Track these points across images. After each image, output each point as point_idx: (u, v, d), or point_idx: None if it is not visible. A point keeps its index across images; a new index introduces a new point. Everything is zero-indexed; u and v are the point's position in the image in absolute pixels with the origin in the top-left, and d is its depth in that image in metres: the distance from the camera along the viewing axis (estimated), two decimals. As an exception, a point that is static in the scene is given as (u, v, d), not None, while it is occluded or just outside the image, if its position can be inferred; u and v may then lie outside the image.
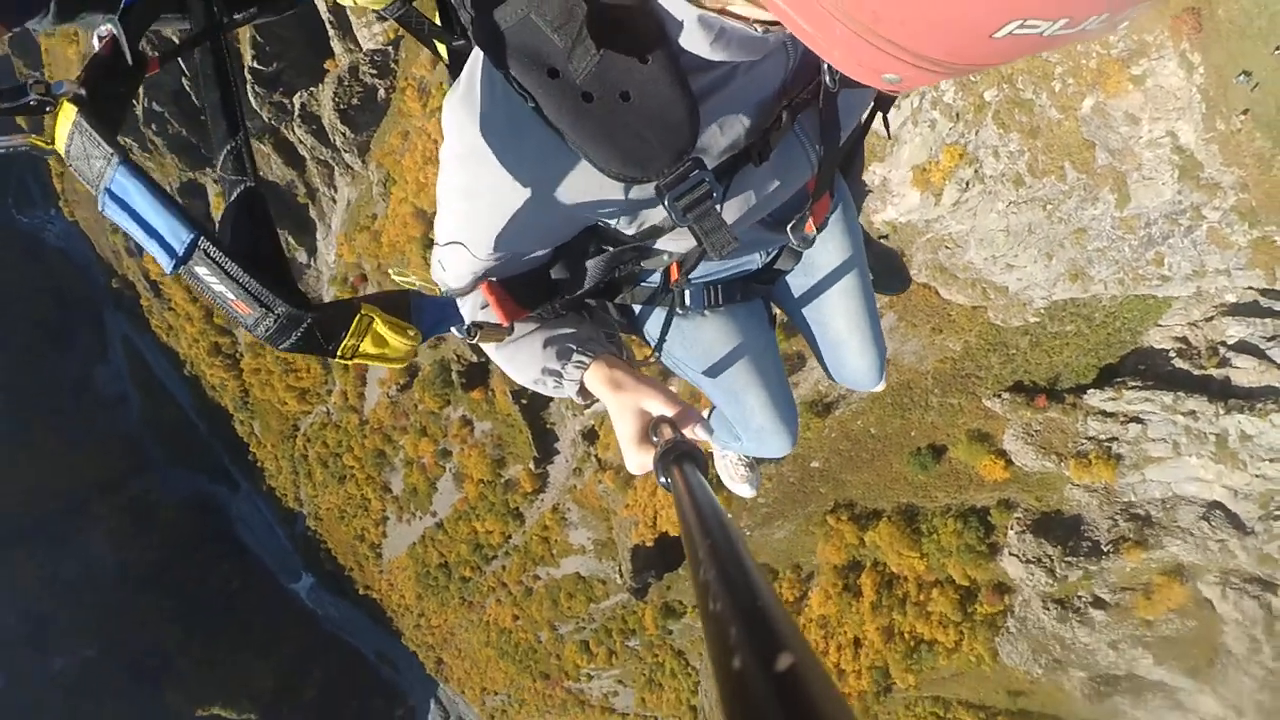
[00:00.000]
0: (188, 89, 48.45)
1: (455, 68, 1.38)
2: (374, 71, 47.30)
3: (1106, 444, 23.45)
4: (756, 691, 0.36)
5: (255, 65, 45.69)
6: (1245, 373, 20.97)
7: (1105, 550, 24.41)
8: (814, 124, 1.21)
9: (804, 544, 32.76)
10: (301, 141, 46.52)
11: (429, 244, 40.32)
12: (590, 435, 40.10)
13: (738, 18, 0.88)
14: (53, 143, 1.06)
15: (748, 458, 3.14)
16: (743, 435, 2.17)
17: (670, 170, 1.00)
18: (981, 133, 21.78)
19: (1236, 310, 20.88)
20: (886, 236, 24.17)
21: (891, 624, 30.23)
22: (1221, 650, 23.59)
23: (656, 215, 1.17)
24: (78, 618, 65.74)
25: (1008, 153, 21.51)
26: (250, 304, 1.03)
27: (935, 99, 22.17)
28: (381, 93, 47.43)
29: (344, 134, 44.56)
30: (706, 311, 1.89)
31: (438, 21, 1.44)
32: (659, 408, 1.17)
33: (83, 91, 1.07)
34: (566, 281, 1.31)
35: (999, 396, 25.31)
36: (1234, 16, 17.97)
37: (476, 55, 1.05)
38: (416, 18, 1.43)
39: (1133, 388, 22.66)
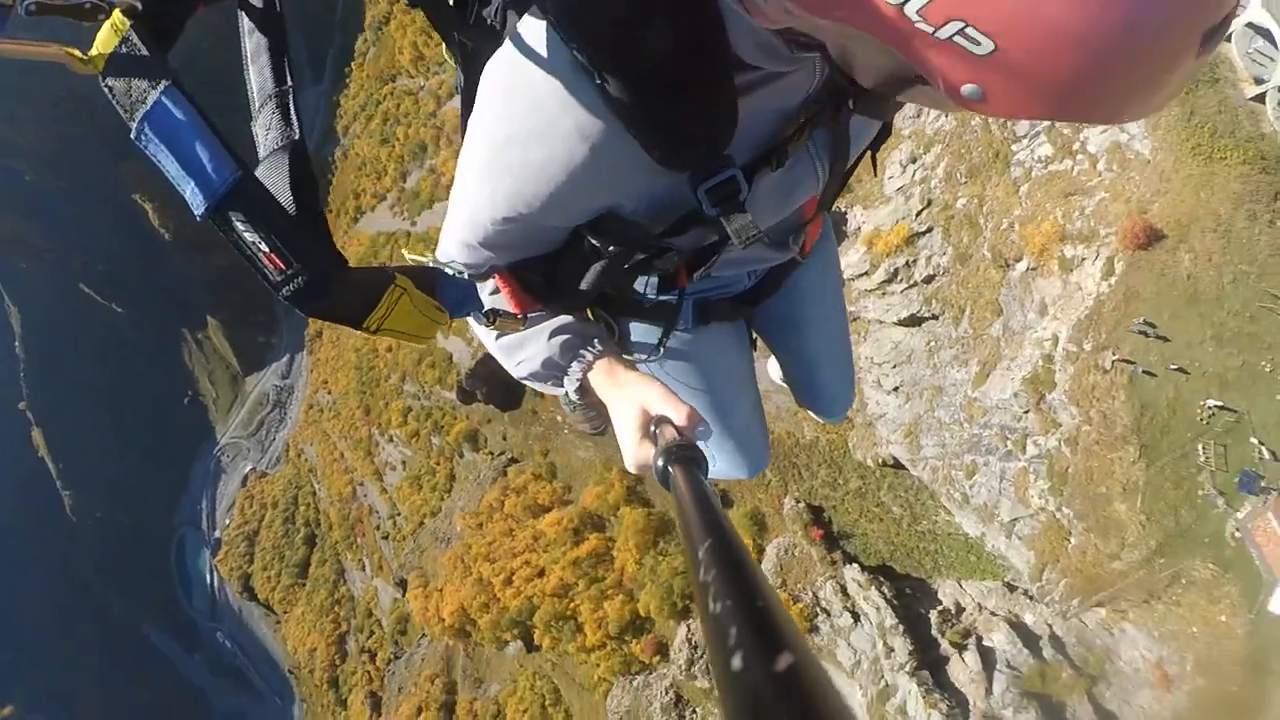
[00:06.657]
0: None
1: (468, 69, 1.33)
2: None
3: (817, 610, 22.78)
4: (757, 691, 0.35)
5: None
6: (963, 670, 19.98)
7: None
8: (826, 144, 1.26)
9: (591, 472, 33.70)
10: None
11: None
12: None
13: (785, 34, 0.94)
14: (89, 57, 0.92)
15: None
16: (717, 455, 2.15)
17: (705, 162, 1.07)
18: (933, 232, 20.67)
19: (1021, 630, 19.75)
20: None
21: (573, 587, 31.01)
22: None
23: (680, 208, 1.17)
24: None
25: (935, 265, 20.30)
26: (283, 258, 0.96)
27: (926, 176, 21.02)
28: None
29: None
30: (694, 328, 1.89)
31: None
32: (661, 406, 1.15)
33: (138, 3, 0.95)
34: (575, 274, 1.28)
35: (799, 503, 24.88)
36: (1199, 272, 15.60)
37: (525, 29, 1.04)
38: (446, 11, 1.33)
39: (882, 593, 21.93)
